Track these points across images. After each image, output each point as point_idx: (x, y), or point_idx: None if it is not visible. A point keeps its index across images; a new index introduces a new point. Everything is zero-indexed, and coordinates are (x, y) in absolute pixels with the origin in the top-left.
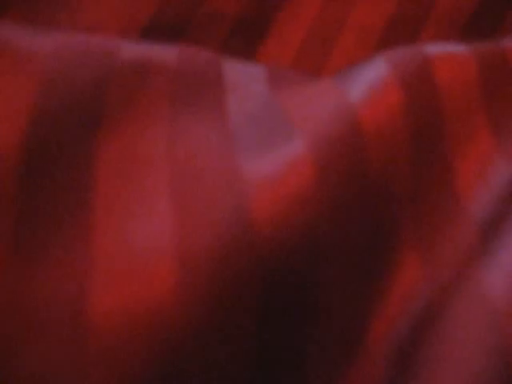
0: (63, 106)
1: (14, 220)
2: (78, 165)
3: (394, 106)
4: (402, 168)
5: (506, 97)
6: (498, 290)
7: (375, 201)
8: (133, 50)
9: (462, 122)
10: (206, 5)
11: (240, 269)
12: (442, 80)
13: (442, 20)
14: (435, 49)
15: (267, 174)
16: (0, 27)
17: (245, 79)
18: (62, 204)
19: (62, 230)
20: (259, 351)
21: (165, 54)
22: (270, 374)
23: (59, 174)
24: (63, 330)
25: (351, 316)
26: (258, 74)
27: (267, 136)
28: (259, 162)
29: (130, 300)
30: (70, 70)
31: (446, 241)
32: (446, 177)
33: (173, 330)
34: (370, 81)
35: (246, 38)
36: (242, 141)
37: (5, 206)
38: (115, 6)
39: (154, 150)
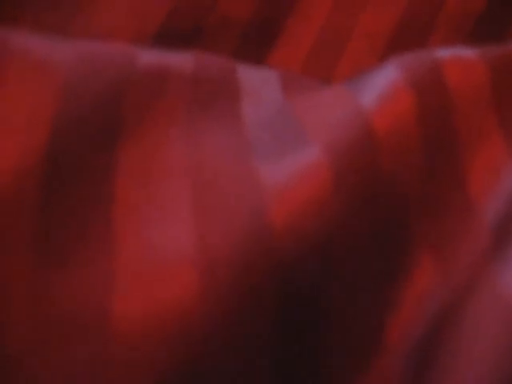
0: (83, 116)
1: (36, 231)
2: (99, 174)
3: (406, 111)
4: (415, 172)
5: None
6: None
7: (388, 205)
8: (149, 56)
9: (474, 125)
10: (216, 10)
11: (259, 274)
12: (452, 83)
13: (450, 24)
14: (445, 53)
15: (283, 179)
16: (17, 36)
17: (259, 85)
18: (83, 214)
19: (83, 239)
20: (277, 356)
21: (181, 60)
22: (288, 379)
23: (80, 185)
24: (88, 336)
25: (368, 318)
26: (271, 79)
27: (282, 142)
28: (275, 168)
29: (152, 305)
30: (89, 78)
31: (459, 243)
32: (458, 180)
33: (194, 334)
34: (381, 86)
35: (256, 43)
36: (257, 146)
37: (26, 218)
38: (127, 13)
39: (173, 157)
